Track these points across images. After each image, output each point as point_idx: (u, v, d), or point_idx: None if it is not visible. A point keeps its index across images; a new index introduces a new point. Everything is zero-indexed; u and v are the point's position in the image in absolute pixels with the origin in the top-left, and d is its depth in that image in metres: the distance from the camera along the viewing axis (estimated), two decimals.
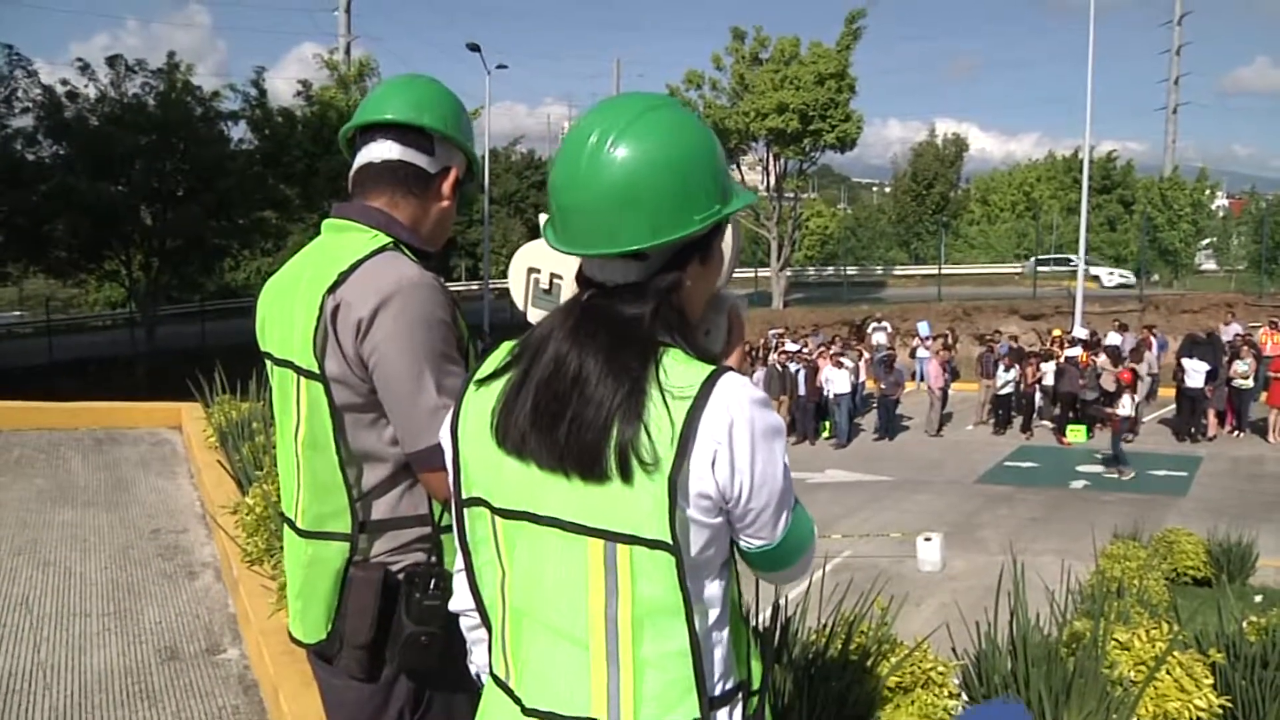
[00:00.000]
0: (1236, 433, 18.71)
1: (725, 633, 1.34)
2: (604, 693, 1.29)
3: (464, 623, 1.52)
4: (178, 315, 34.82)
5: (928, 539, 11.40)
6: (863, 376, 21.22)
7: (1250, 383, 18.35)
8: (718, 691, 1.32)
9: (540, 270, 1.54)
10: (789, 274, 35.84)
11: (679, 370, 1.25)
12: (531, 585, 1.34)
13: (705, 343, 1.48)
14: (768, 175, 34.27)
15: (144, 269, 29.42)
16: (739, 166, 34.82)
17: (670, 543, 1.23)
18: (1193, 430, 18.54)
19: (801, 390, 19.85)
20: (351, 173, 1.88)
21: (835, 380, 19.60)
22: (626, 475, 1.23)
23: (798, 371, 20.03)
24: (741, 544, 1.34)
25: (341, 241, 1.79)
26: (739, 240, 1.68)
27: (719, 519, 1.28)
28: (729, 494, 1.26)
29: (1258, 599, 8.05)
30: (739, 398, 1.24)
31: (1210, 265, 43.44)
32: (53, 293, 40.42)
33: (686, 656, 1.28)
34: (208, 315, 34.89)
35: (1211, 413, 18.66)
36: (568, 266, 1.43)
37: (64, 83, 27.44)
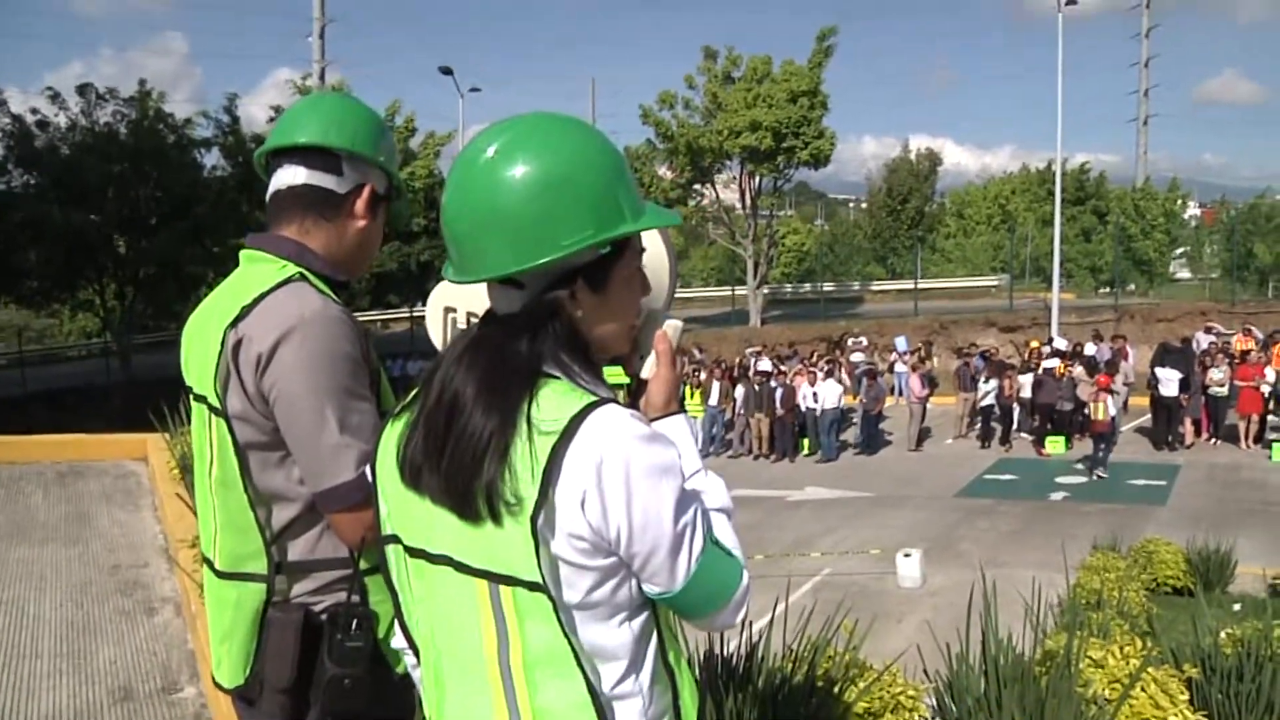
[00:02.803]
0: (1213, 440, 18.77)
1: (642, 683, 1.26)
2: None
3: (408, 662, 1.48)
4: (154, 344, 34.52)
5: (907, 555, 11.32)
6: (844, 390, 21.19)
7: (1225, 390, 18.42)
8: None
9: (456, 309, 1.46)
10: (766, 291, 35.83)
11: (553, 404, 1.19)
12: (437, 626, 1.30)
13: (639, 368, 1.42)
14: (743, 193, 34.33)
15: (118, 298, 29.19)
16: (714, 185, 34.87)
17: (543, 584, 1.17)
18: (1169, 439, 18.59)
19: (779, 409, 19.80)
20: (267, 200, 1.82)
21: (822, 395, 19.54)
22: (495, 515, 1.18)
23: (776, 389, 20.00)
24: (644, 588, 1.26)
25: (251, 273, 1.73)
26: (673, 260, 1.60)
27: (608, 560, 1.20)
28: (606, 536, 1.18)
29: (1236, 607, 8.05)
30: (612, 433, 1.17)
31: (1184, 274, 43.80)
32: (26, 323, 40.03)
33: (587, 707, 1.21)
34: None
35: (1188, 421, 18.73)
36: (484, 303, 1.37)
37: (34, 111, 27.24)
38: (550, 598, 1.18)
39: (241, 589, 1.71)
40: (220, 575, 1.74)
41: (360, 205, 1.80)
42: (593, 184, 1.24)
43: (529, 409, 1.18)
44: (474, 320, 1.54)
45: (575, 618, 1.21)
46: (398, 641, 1.45)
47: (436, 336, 1.59)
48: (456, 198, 1.25)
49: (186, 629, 4.48)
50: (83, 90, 27.74)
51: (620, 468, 1.16)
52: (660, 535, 1.20)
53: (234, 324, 1.64)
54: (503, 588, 1.20)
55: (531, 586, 1.18)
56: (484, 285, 1.37)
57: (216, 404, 1.66)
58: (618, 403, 1.23)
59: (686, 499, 1.23)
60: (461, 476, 1.19)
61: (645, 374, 1.42)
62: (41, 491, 6.95)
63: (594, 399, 1.20)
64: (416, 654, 1.38)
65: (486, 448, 1.18)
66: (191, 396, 1.79)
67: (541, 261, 1.21)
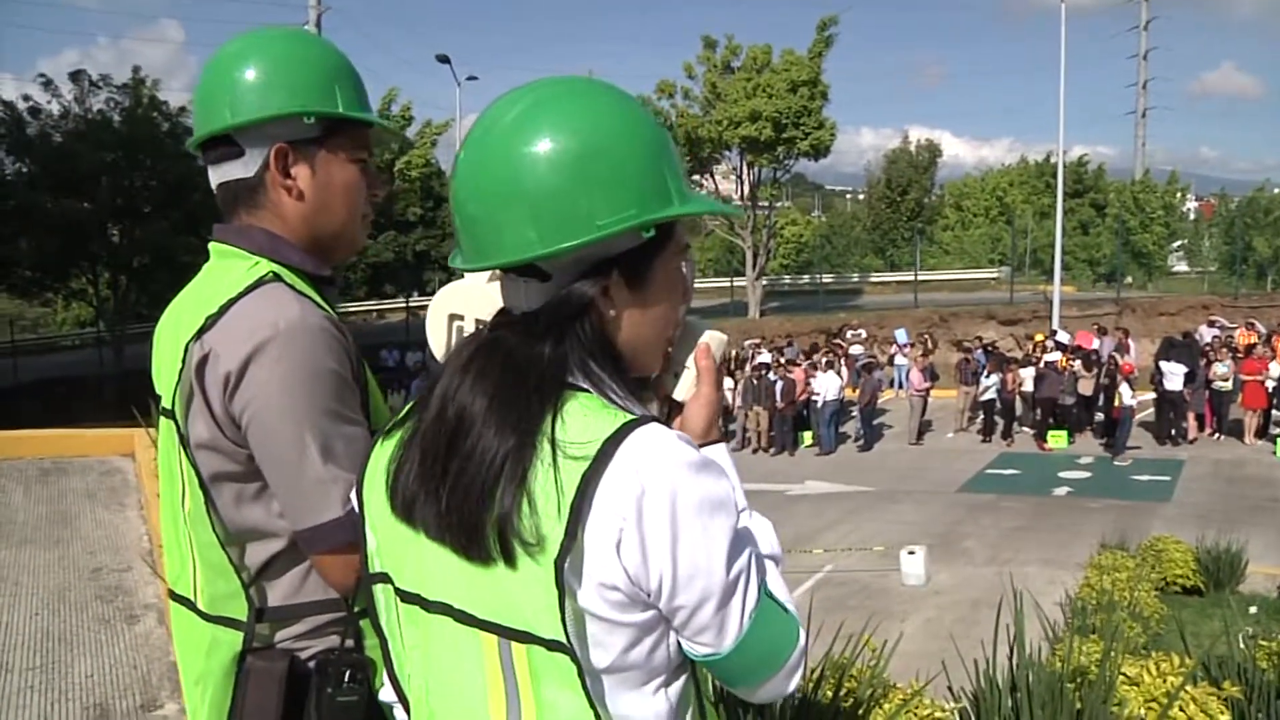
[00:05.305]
0: (1216, 435, 18.60)
1: None
2: None
3: (399, 718, 1.26)
4: (147, 334, 34.17)
5: (911, 552, 11.13)
6: (844, 383, 21.02)
7: (1229, 385, 18.26)
8: None
9: (464, 316, 1.24)
10: (764, 283, 35.64)
11: (582, 422, 0.98)
12: (432, 683, 1.09)
13: (672, 388, 1.20)
14: (741, 184, 34.12)
15: (112, 287, 28.95)
16: (713, 175, 34.63)
17: (566, 643, 0.96)
18: (1173, 433, 18.42)
19: (779, 402, 19.62)
20: None
21: (822, 386, 19.35)
22: (509, 557, 0.96)
23: (775, 382, 19.81)
24: (685, 648, 1.05)
25: (220, 272, 1.49)
26: None
27: (645, 614, 0.99)
28: (645, 585, 0.97)
29: (1252, 610, 7.85)
30: (657, 459, 0.95)
31: (1182, 267, 43.69)
32: (19, 312, 39.73)
33: None
34: None
35: (1191, 415, 18.56)
36: (497, 309, 1.14)
37: (26, 98, 26.98)
38: (574, 659, 0.97)
39: (223, 632, 1.48)
40: (205, 618, 1.50)
41: (277, 175, 1.50)
42: (634, 157, 1.02)
43: (552, 428, 0.97)
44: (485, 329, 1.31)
45: (604, 683, 1.00)
46: (386, 694, 1.23)
47: (439, 348, 1.35)
48: (469, 171, 1.03)
49: (169, 639, 4.26)
50: (76, 77, 27.56)
51: (665, 502, 0.95)
52: (711, 585, 0.99)
53: (198, 336, 1.40)
54: (515, 645, 0.99)
55: (551, 645, 0.97)
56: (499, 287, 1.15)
57: (182, 427, 1.44)
58: (660, 422, 1.01)
59: (740, 541, 1.02)
60: (468, 509, 0.98)
61: (680, 395, 1.21)
62: (22, 489, 6.71)
63: (632, 417, 0.98)
64: (407, 709, 1.17)
65: (500, 474, 0.97)
66: (160, 410, 1.56)
67: (573, 244, 0.99)
